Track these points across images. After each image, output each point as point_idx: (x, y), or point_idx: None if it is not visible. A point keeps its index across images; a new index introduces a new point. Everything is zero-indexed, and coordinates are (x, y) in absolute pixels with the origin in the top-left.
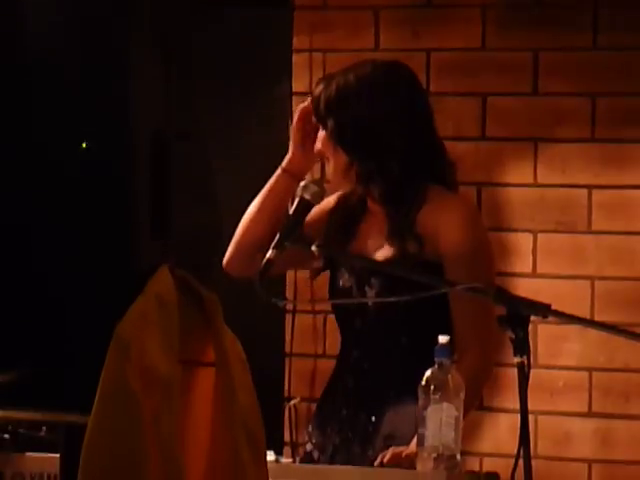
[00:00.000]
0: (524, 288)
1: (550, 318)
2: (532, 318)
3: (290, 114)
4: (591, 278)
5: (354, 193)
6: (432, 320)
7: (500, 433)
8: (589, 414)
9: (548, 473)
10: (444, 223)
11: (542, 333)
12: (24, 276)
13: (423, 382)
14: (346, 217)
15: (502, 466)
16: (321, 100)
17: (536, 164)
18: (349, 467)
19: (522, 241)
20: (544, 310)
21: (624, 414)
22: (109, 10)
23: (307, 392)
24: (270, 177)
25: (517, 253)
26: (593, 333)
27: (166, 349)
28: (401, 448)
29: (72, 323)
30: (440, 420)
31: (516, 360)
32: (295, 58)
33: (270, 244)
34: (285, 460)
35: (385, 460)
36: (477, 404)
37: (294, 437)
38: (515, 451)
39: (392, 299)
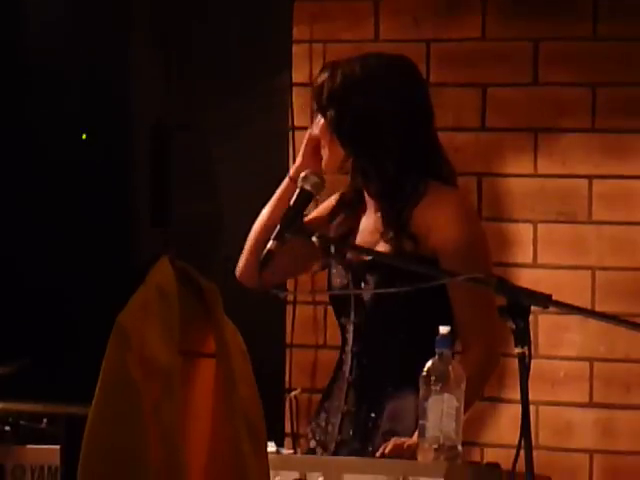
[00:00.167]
0: (525, 278)
1: (551, 308)
2: (533, 308)
3: (290, 104)
4: (592, 268)
5: (352, 189)
6: (430, 313)
7: (501, 424)
8: (590, 404)
9: (549, 463)
10: (439, 218)
11: (543, 323)
12: (24, 267)
13: (424, 373)
14: (345, 213)
15: (503, 456)
16: (324, 89)
17: (536, 154)
18: (350, 458)
19: (523, 231)
20: (545, 300)
21: (625, 404)
22: (109, 1)
23: (308, 383)
24: (271, 166)
25: (517, 243)
26: (594, 323)
27: (166, 340)
28: (403, 439)
29: (72, 314)
30: (441, 411)
31: (517, 350)
32: (295, 48)
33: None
34: (286, 451)
35: (387, 451)
36: (481, 394)
37: (295, 428)
38: (516, 441)
39: (391, 290)
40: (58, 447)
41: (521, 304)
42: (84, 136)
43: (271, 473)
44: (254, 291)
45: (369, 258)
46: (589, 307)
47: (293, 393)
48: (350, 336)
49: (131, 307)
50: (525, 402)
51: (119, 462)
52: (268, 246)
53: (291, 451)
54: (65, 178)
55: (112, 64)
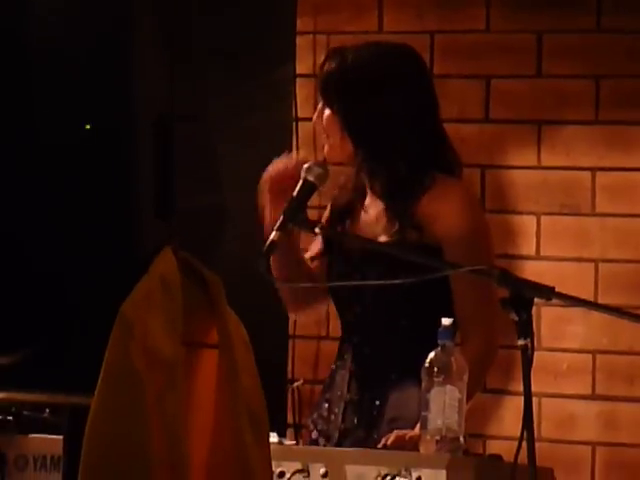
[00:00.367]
0: (528, 270)
1: (554, 300)
2: (536, 300)
3: (294, 96)
4: (595, 260)
5: (351, 179)
6: (431, 303)
7: (504, 415)
8: (593, 397)
9: (552, 456)
10: (444, 209)
11: (546, 315)
12: (27, 258)
13: (426, 364)
14: (345, 205)
15: (505, 448)
16: (332, 81)
17: (540, 146)
18: (352, 449)
19: (526, 223)
20: (548, 292)
21: (628, 397)
22: None
23: (310, 374)
24: (273, 158)
25: (521, 235)
26: (597, 316)
27: (169, 330)
28: (405, 431)
29: (76, 304)
30: (443, 402)
31: (520, 343)
32: (299, 40)
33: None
34: (288, 442)
35: (389, 443)
36: (482, 386)
37: (297, 419)
38: (519, 433)
39: (395, 281)
40: (61, 437)
41: (524, 296)
42: (87, 127)
43: (273, 464)
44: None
45: (371, 249)
46: (592, 299)
47: (296, 384)
48: (351, 326)
49: (134, 297)
50: (528, 394)
51: (122, 452)
52: (271, 237)
53: (293, 442)
54: (68, 169)
55: (115, 56)
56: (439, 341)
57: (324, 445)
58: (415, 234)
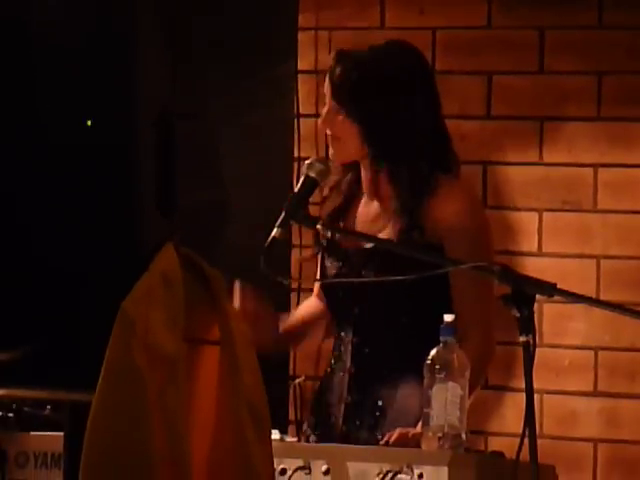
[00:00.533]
0: (530, 267)
1: (555, 297)
2: (537, 297)
3: (296, 92)
4: (597, 257)
5: (345, 181)
6: (431, 300)
7: (506, 412)
8: (595, 393)
9: (553, 452)
10: (446, 209)
11: (547, 312)
12: (28, 254)
13: (428, 361)
14: (338, 206)
15: (507, 445)
16: (348, 83)
17: (542, 143)
18: (354, 446)
19: (528, 220)
20: (549, 289)
21: (630, 393)
22: None
23: (312, 371)
24: (274, 154)
25: (523, 232)
26: (599, 312)
27: (171, 327)
28: (407, 429)
29: (77, 301)
30: (445, 399)
31: (521, 339)
32: (301, 36)
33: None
34: (290, 439)
35: (391, 440)
36: (482, 383)
37: (299, 416)
38: (520, 430)
39: (396, 278)
40: (62, 434)
41: (526, 293)
42: (89, 123)
43: (275, 461)
44: (259, 276)
45: (369, 246)
46: (594, 296)
47: (297, 380)
48: (350, 327)
49: (136, 294)
50: (529, 391)
51: (123, 449)
52: (272, 234)
53: (295, 439)
54: (70, 166)
55: (116, 53)
56: (441, 338)
57: None
58: (418, 233)
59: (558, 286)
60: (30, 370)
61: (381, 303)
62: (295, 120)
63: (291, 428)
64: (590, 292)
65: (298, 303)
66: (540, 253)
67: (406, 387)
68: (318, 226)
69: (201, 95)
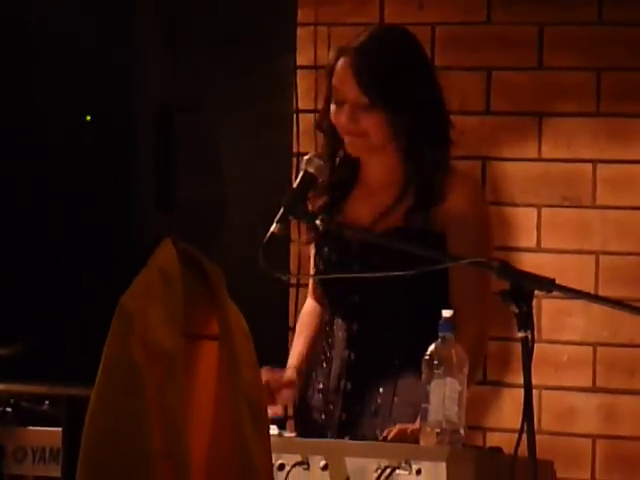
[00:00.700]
0: (528, 263)
1: (554, 293)
2: (536, 293)
3: (295, 87)
4: (596, 253)
5: (341, 172)
6: (432, 289)
7: (504, 408)
8: (593, 389)
9: (552, 448)
10: (453, 197)
11: (546, 308)
12: (27, 249)
13: (426, 356)
14: (333, 196)
15: (505, 441)
16: (372, 73)
17: (541, 139)
18: (351, 441)
19: (526, 216)
20: (548, 285)
21: (628, 389)
22: None
23: None
24: (273, 149)
25: (521, 228)
26: (597, 308)
27: (169, 322)
28: (406, 425)
29: (75, 296)
30: (443, 395)
31: (520, 335)
32: (300, 31)
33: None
34: (288, 434)
35: (390, 436)
36: (478, 377)
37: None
38: (519, 426)
39: (395, 273)
40: (60, 429)
41: (524, 288)
42: (88, 118)
43: (273, 456)
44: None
45: (369, 238)
46: (593, 292)
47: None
48: (349, 316)
49: (134, 289)
50: (528, 386)
51: (121, 444)
52: (271, 229)
53: (293, 434)
54: (69, 161)
55: (116, 47)
56: (439, 333)
57: (320, 436)
58: (423, 218)
59: (557, 282)
60: (28, 365)
61: (382, 291)
62: (294, 115)
63: (289, 423)
64: (589, 288)
65: (297, 299)
66: (539, 249)
67: (408, 374)
68: (317, 221)
69: (200, 90)
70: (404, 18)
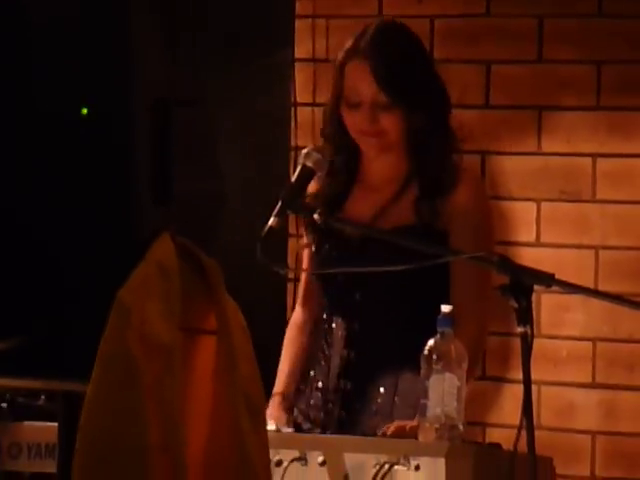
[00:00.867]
0: (527, 257)
1: (554, 288)
2: (535, 287)
3: (292, 80)
4: (595, 247)
5: (340, 169)
6: (434, 287)
7: (504, 403)
8: (593, 385)
9: (551, 444)
10: (456, 195)
11: (545, 303)
12: (23, 243)
13: (425, 352)
14: (333, 194)
15: (505, 437)
16: (392, 72)
17: (540, 132)
18: (350, 437)
19: (526, 210)
20: (547, 279)
21: (628, 385)
22: None
23: None
24: (271, 143)
25: (521, 222)
26: (597, 303)
27: (167, 317)
28: (405, 421)
29: (72, 290)
30: (442, 390)
31: (519, 330)
32: (298, 24)
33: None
34: (286, 430)
35: (389, 433)
36: (477, 374)
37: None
38: (518, 422)
39: (397, 268)
40: (56, 424)
41: (524, 283)
42: (85, 111)
43: (270, 452)
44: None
45: (370, 234)
46: (592, 286)
47: None
48: (350, 314)
49: (132, 283)
50: (527, 382)
51: (117, 440)
52: (269, 223)
53: (291, 429)
54: (66, 154)
55: (114, 40)
56: (438, 328)
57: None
58: (432, 214)
59: (556, 277)
60: (24, 360)
61: (383, 289)
62: (292, 108)
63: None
64: (588, 283)
65: (295, 293)
66: (538, 243)
67: (409, 374)
68: (315, 215)
69: (197, 84)
70: (402, 10)
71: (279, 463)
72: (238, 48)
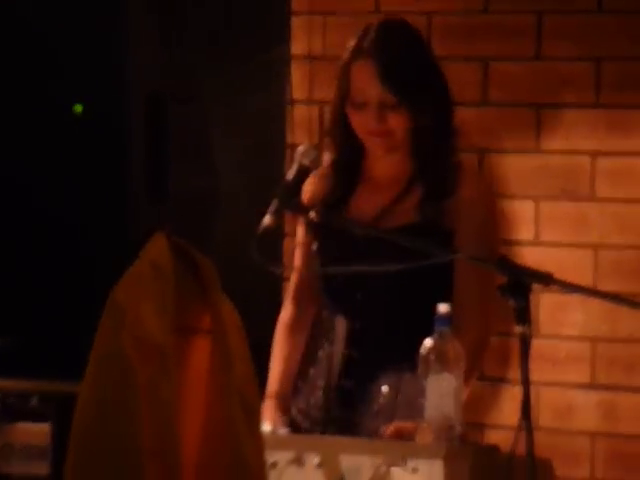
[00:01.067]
0: (526, 256)
1: (552, 287)
2: (534, 287)
3: (289, 77)
4: (594, 246)
5: (343, 169)
6: (438, 287)
7: (502, 404)
8: (592, 385)
9: (550, 446)
10: (462, 194)
11: (544, 302)
12: (17, 243)
13: (423, 351)
14: (337, 194)
15: (505, 438)
16: (398, 71)
17: (539, 130)
18: (346, 438)
19: (524, 208)
20: (546, 279)
21: (628, 386)
22: None
23: None
24: (267, 140)
25: (519, 221)
26: (596, 302)
27: (161, 316)
28: (404, 423)
29: (65, 290)
30: (440, 390)
31: (518, 330)
32: (294, 20)
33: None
34: (282, 431)
35: (387, 434)
36: (478, 374)
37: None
38: (517, 422)
39: (398, 267)
40: (48, 425)
41: (522, 282)
42: (80, 108)
43: (266, 453)
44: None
45: (373, 233)
46: (591, 286)
47: None
48: (351, 313)
49: (125, 282)
50: (526, 382)
51: (110, 441)
52: (265, 222)
53: (286, 430)
54: (60, 151)
55: (108, 35)
56: (436, 328)
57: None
58: (434, 213)
59: (555, 276)
60: (16, 360)
61: (386, 289)
62: (288, 105)
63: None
64: (588, 282)
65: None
66: (537, 242)
67: (412, 374)
68: (311, 214)
69: (193, 80)
70: (400, 7)
71: (275, 465)
72: (234, 45)
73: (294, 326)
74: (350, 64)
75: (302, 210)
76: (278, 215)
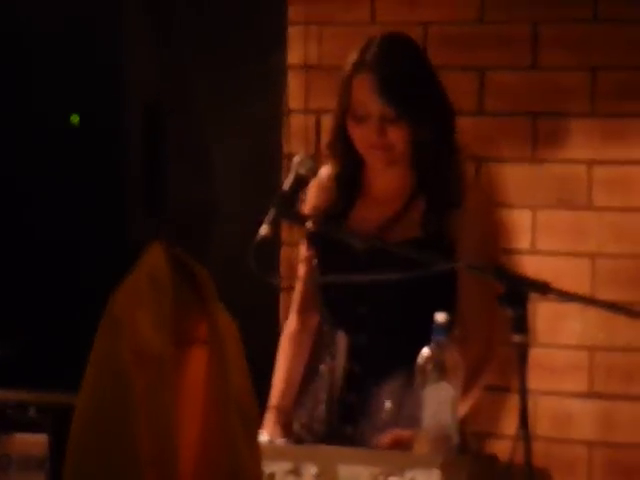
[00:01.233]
0: (524, 265)
1: (550, 296)
2: (532, 296)
3: (285, 86)
4: (591, 255)
5: (344, 181)
6: (442, 300)
7: (500, 414)
8: (590, 394)
9: (547, 455)
10: (464, 207)
11: (542, 311)
12: (14, 252)
13: (420, 361)
14: (337, 206)
15: (502, 447)
16: (399, 85)
17: (535, 139)
18: (344, 448)
19: (521, 217)
20: (544, 288)
21: (626, 395)
22: None
23: None
24: (263, 150)
25: (516, 230)
26: (594, 311)
27: (158, 327)
28: (402, 432)
29: (63, 300)
30: (437, 400)
31: (515, 339)
32: (290, 30)
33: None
34: (279, 441)
35: (384, 444)
36: (483, 386)
37: None
38: (514, 431)
39: (393, 276)
40: (46, 436)
41: (520, 291)
42: (77, 119)
43: (264, 464)
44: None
45: (374, 245)
46: (589, 294)
47: None
48: (354, 327)
49: (123, 294)
50: (523, 391)
51: (108, 452)
52: (262, 232)
53: (284, 440)
54: (57, 162)
55: (105, 46)
56: (433, 337)
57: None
58: (437, 225)
59: (552, 285)
60: (14, 371)
61: (389, 303)
62: (284, 116)
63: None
64: (585, 291)
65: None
66: (534, 251)
67: (415, 389)
68: (308, 224)
69: (189, 90)
70: (396, 16)
71: (272, 476)
72: (230, 55)
73: (298, 337)
74: (352, 77)
75: (299, 220)
76: (275, 225)
